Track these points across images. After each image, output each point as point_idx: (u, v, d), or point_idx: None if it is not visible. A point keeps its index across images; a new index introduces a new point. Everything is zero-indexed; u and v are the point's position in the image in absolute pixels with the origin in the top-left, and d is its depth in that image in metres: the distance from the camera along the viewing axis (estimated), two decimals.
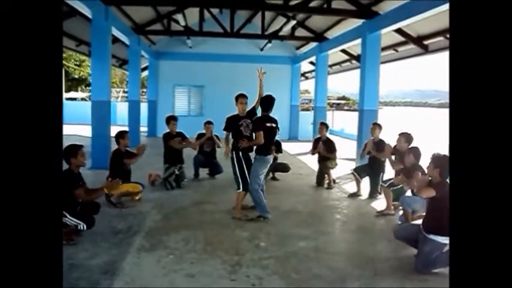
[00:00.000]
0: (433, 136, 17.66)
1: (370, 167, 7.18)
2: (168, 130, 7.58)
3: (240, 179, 5.62)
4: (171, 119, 7.60)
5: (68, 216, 4.35)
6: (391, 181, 6.00)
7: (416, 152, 5.57)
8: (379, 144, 6.87)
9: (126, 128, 9.82)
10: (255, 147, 5.60)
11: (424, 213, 4.44)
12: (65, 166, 4.46)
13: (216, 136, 8.44)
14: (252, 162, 5.67)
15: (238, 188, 5.67)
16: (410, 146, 5.88)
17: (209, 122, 8.39)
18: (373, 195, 7.14)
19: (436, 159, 4.04)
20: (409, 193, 5.74)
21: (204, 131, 8.36)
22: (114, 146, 6.63)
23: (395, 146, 6.28)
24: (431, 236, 3.93)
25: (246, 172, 5.60)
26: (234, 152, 5.65)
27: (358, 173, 7.29)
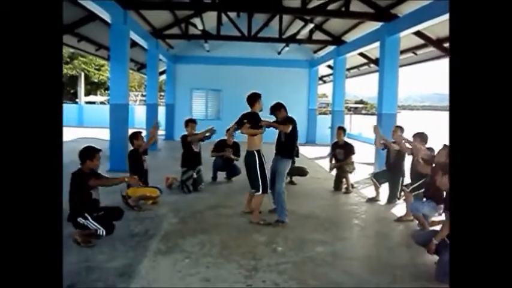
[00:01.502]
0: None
1: (389, 172, 7.04)
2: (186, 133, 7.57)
3: (260, 182, 5.44)
4: (190, 122, 7.62)
5: (89, 219, 4.40)
6: (414, 185, 5.85)
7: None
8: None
9: (144, 131, 9.88)
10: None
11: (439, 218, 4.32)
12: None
13: (236, 144, 8.48)
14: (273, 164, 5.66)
15: (258, 191, 5.50)
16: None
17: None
18: (392, 200, 7.01)
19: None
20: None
21: (225, 137, 8.36)
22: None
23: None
24: None
25: (267, 174, 5.52)
26: (255, 154, 5.47)
27: (377, 179, 7.17)
